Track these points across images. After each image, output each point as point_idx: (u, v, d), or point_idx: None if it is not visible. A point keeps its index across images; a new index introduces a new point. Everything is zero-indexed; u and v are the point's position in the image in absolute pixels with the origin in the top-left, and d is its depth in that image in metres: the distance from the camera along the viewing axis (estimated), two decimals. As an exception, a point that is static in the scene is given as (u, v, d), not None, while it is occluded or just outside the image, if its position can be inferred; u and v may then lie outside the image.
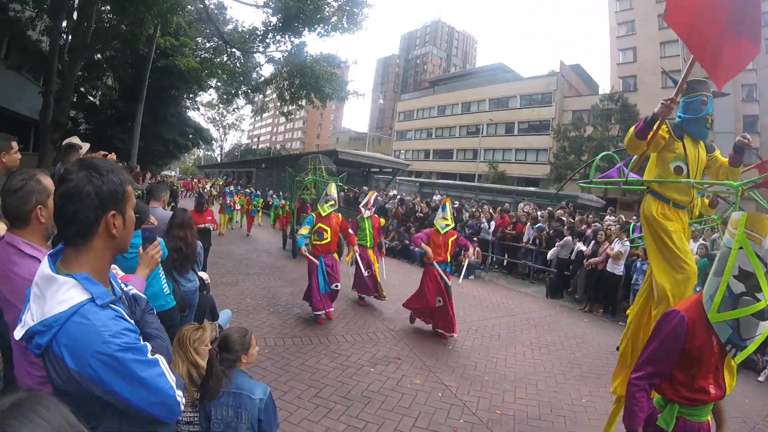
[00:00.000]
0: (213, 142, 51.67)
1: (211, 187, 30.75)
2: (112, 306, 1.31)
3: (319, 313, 6.80)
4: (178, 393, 1.35)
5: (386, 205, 16.93)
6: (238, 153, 79.69)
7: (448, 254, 6.94)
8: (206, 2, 19.01)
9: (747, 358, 5.87)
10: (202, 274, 5.25)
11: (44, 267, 1.30)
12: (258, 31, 17.34)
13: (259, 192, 24.16)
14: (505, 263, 13.12)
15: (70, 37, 13.70)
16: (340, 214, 7.30)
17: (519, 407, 4.63)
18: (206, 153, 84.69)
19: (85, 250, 1.33)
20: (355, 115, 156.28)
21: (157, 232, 4.09)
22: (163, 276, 3.84)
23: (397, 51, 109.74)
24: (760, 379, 6.33)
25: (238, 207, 18.53)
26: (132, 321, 1.36)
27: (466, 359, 5.86)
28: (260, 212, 20.60)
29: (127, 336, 1.27)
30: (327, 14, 15.58)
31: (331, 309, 7.06)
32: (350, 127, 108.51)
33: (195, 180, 39.03)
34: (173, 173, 64.65)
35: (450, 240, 6.93)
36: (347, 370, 5.15)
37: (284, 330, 6.37)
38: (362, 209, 8.69)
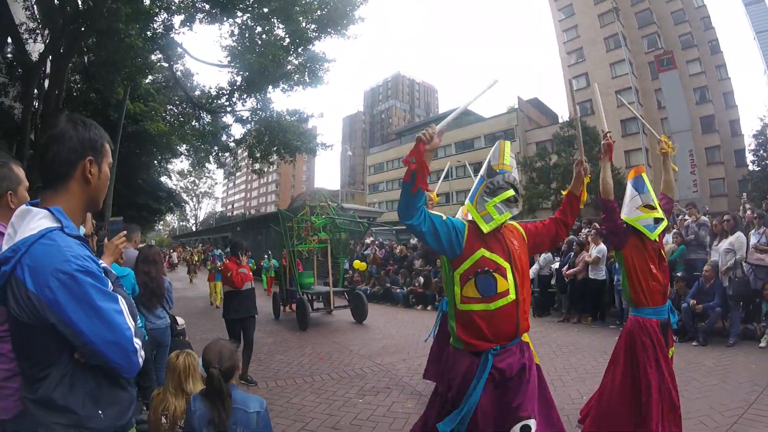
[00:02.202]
0: (185, 205, 51.35)
1: (193, 255, 29.16)
2: (80, 240, 1.35)
3: None
4: (136, 341, 1.32)
5: (364, 252, 16.80)
6: (213, 221, 79.14)
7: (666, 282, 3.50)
8: (173, 68, 19.41)
9: (746, 328, 6.40)
10: (178, 319, 5.12)
11: (21, 207, 1.36)
12: (224, 91, 17.57)
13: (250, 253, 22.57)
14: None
15: (41, 105, 13.78)
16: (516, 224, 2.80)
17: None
18: (181, 224, 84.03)
19: (62, 191, 1.41)
20: (327, 173, 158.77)
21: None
22: (141, 323, 3.72)
23: (361, 108, 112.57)
24: (762, 345, 6.55)
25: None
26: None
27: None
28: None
29: (90, 263, 1.29)
30: (289, 71, 15.89)
31: None
32: (323, 185, 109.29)
33: (171, 250, 37.26)
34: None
35: (663, 252, 3.56)
36: (334, 403, 4.95)
37: (267, 374, 6.19)
38: None
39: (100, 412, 1.31)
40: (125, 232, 2.31)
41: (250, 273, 6.23)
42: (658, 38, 42.00)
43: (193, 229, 76.11)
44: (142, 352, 1.34)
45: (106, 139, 1.53)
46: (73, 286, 1.22)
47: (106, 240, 2.45)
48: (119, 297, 1.34)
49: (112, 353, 1.26)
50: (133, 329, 1.33)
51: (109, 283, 1.35)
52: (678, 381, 4.60)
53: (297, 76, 16.13)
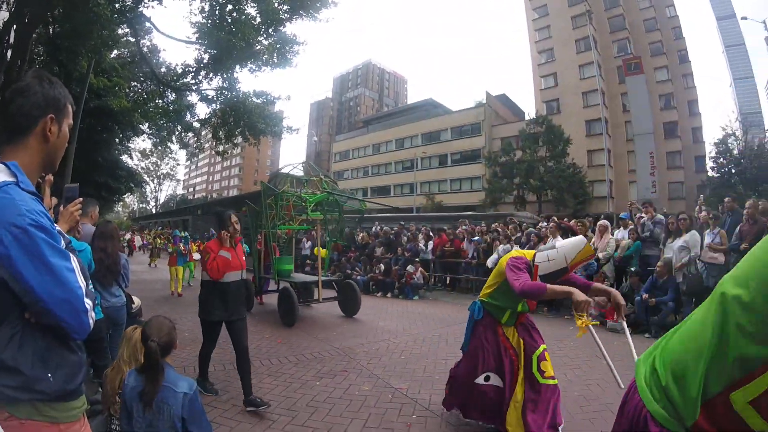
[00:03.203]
0: (146, 186, 50.23)
1: (155, 238, 27.08)
2: (35, 195, 1.31)
3: None
4: (87, 301, 1.30)
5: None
6: (174, 203, 77.45)
7: None
8: (140, 43, 18.85)
9: (634, 323, 6.86)
10: (134, 298, 5.02)
11: None
12: (191, 69, 17.18)
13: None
14: (447, 281, 13.22)
15: (2, 77, 13.25)
16: None
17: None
18: (141, 205, 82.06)
19: (21, 146, 1.40)
20: (292, 159, 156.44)
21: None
22: (91, 286, 3.64)
23: (330, 94, 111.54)
24: (647, 335, 7.27)
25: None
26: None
27: (415, 364, 5.77)
28: None
29: (44, 219, 1.27)
30: (258, 50, 15.65)
31: None
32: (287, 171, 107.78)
33: (131, 232, 32.56)
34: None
35: None
36: (291, 385, 4.95)
37: (224, 357, 6.03)
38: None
39: (49, 374, 1.28)
40: (81, 199, 2.24)
41: (242, 258, 4.83)
42: (629, 44, 43.26)
43: (153, 211, 74.38)
44: (93, 314, 1.32)
45: (69, 99, 1.51)
46: (26, 241, 1.20)
47: (61, 207, 2.38)
48: (71, 255, 1.32)
49: (63, 312, 1.24)
50: (84, 288, 1.30)
51: (62, 241, 1.32)
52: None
53: (266, 56, 15.95)
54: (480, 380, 3.68)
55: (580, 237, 3.51)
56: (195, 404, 2.33)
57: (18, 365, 1.23)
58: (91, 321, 1.31)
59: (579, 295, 2.90)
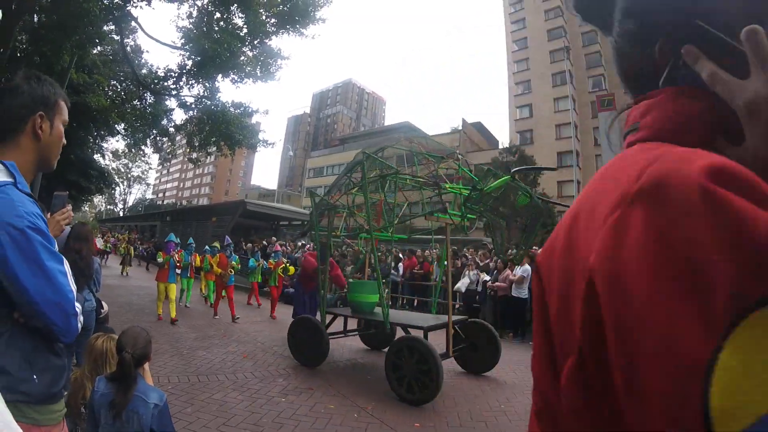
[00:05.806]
0: (116, 188, 49.21)
1: (128, 243, 23.60)
2: (32, 197, 1.32)
3: None
4: (77, 305, 1.32)
5: (296, 254, 16.56)
6: (142, 208, 75.77)
7: None
8: (124, 42, 18.56)
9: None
10: (104, 303, 4.95)
11: None
12: (173, 73, 17.05)
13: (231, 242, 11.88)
14: (415, 303, 13.30)
15: None
16: None
17: (439, 419, 4.64)
18: (108, 207, 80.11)
19: (12, 145, 1.39)
20: (265, 171, 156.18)
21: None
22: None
23: (308, 109, 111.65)
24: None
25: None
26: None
27: (381, 385, 5.76)
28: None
29: (40, 221, 1.29)
30: (242, 62, 15.66)
31: None
32: (260, 183, 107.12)
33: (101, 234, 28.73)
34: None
35: None
36: (257, 401, 4.91)
37: (188, 369, 6.01)
38: None
39: (35, 376, 1.29)
40: (70, 206, 2.23)
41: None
42: (603, 80, 44.70)
43: (121, 214, 72.53)
44: (81, 318, 1.35)
45: (61, 96, 1.51)
46: (23, 243, 1.22)
47: (48, 214, 2.37)
48: (65, 261, 1.34)
49: (54, 314, 1.26)
50: (74, 293, 1.32)
51: (56, 245, 1.34)
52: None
53: (249, 68, 15.94)
54: None
55: None
56: (164, 416, 2.32)
57: (5, 365, 1.24)
58: (79, 324, 1.33)
59: None
